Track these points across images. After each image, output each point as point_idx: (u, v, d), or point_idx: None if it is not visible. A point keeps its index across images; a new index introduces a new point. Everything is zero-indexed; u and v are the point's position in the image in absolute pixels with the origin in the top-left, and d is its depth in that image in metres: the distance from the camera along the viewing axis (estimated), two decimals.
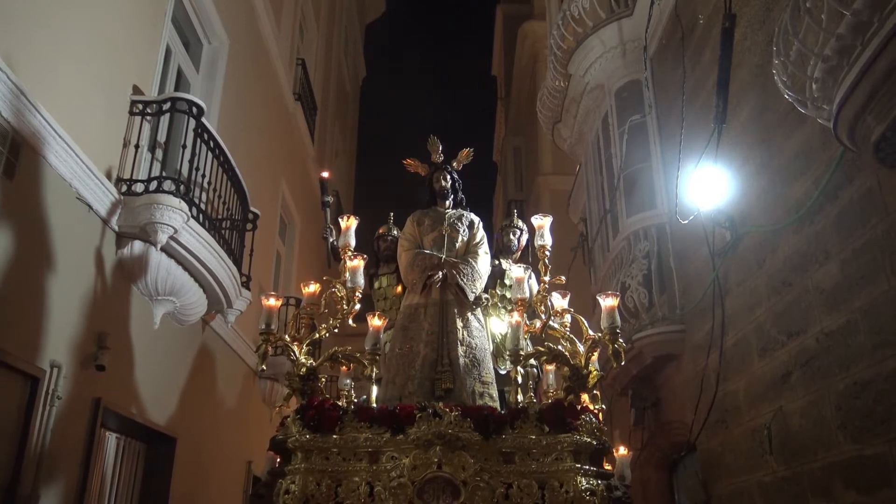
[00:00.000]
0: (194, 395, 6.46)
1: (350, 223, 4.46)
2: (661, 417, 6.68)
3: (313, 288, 4.31)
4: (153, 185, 5.00)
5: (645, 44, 7.10)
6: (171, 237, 5.03)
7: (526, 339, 4.57)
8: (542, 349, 4.10)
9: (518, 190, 16.43)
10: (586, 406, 3.92)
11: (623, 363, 4.01)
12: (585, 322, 4.16)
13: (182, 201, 4.99)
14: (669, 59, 6.73)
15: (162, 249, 5.10)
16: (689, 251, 6.14)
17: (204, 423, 6.70)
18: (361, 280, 4.27)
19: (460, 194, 5.04)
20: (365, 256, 4.40)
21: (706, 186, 5.29)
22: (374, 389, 4.08)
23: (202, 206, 5.56)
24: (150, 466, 5.74)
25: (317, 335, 4.18)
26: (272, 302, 4.10)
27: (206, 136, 5.66)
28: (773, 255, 4.61)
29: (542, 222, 4.38)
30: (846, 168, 3.77)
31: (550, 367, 4.50)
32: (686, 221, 5.79)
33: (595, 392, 4.03)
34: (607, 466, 4.05)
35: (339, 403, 3.95)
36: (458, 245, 4.76)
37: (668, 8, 6.63)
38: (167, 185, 5.02)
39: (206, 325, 6.76)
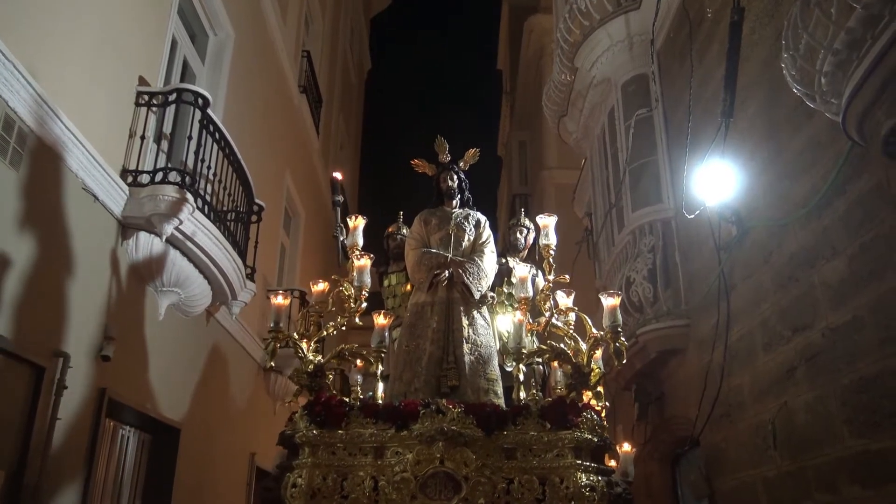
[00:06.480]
0: (199, 386, 6.48)
1: (357, 223, 4.54)
2: (665, 412, 6.68)
3: (322, 286, 4.35)
4: (159, 176, 5.00)
5: (652, 37, 7.06)
6: (177, 228, 5.04)
7: (531, 337, 4.60)
8: (545, 347, 4.13)
9: (523, 184, 16.40)
10: (588, 403, 3.94)
11: (625, 361, 4.07)
12: (589, 320, 4.18)
13: (187, 193, 4.99)
14: (677, 53, 6.70)
15: (167, 241, 5.11)
16: (694, 246, 6.12)
17: (208, 415, 6.71)
18: (368, 279, 4.33)
19: (467, 193, 5.09)
20: (373, 256, 4.46)
21: (713, 181, 5.27)
22: (381, 386, 4.11)
23: (207, 198, 5.56)
24: (155, 457, 5.75)
25: (324, 333, 4.22)
26: (280, 300, 4.12)
27: (211, 127, 5.65)
28: (779, 250, 4.60)
29: (547, 222, 4.48)
30: (854, 163, 3.75)
31: (558, 365, 4.54)
32: (692, 216, 5.77)
33: (598, 389, 4.07)
34: (611, 463, 4.06)
35: (346, 399, 3.98)
36: (464, 244, 4.80)
37: (676, 1, 6.59)
38: (173, 176, 5.02)
39: (211, 317, 6.77)
